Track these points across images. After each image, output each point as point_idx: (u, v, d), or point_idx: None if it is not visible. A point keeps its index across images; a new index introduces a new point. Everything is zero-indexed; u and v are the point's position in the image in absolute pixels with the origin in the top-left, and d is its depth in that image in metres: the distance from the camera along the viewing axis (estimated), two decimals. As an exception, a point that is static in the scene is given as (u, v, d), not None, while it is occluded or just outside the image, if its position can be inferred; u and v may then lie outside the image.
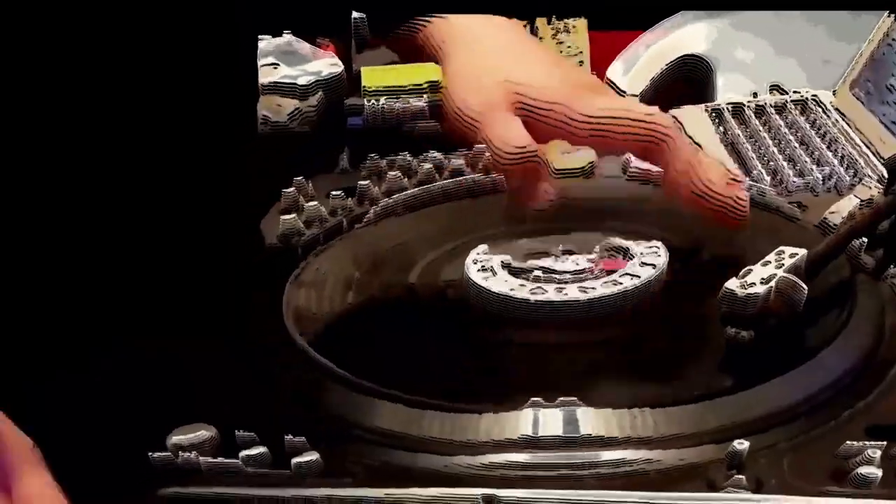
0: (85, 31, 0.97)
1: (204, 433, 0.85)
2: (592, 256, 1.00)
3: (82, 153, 0.99)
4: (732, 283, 0.93)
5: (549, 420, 0.85)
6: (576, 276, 0.98)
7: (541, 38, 1.27)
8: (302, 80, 1.24)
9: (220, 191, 1.05)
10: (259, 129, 1.22)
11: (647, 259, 0.99)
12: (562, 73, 1.11)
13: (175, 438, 0.85)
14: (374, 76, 1.25)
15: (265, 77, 1.25)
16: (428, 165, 1.13)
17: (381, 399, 0.89)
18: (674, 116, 1.14)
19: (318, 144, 1.20)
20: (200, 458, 0.84)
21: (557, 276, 0.97)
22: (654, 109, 1.05)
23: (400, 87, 1.24)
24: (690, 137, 1.12)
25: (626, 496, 0.80)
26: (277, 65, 1.27)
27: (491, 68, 1.12)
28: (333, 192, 1.11)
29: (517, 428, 0.85)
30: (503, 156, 1.06)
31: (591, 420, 0.85)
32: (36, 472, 0.78)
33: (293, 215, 1.08)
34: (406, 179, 1.12)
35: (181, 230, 1.01)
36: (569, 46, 1.36)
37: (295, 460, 0.83)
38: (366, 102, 1.23)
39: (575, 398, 0.86)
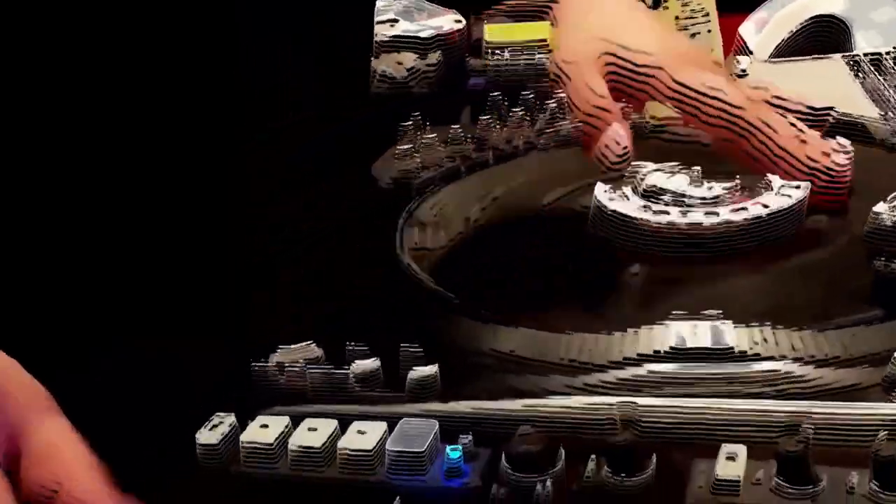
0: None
1: (314, 349, 0.81)
2: (729, 185, 0.94)
3: (83, 152, 0.97)
4: (880, 207, 0.87)
5: (693, 333, 0.79)
6: (709, 202, 0.92)
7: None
8: (424, 34, 1.21)
9: (220, 189, 1.02)
10: (375, 87, 1.19)
11: (788, 189, 0.93)
12: (665, 40, 1.06)
13: (280, 354, 0.80)
14: (497, 32, 1.22)
15: (385, 33, 1.22)
16: (553, 104, 1.07)
17: (507, 324, 0.84)
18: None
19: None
20: (308, 371, 0.79)
21: (691, 201, 0.92)
22: (744, 99, 0.99)
23: (523, 41, 1.20)
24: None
25: (773, 407, 0.74)
26: (396, 20, 1.23)
27: (590, 25, 1.08)
28: (452, 127, 1.06)
29: (658, 342, 0.79)
30: (579, 114, 1.01)
31: (735, 334, 0.79)
32: (53, 419, 0.71)
33: (409, 145, 1.04)
34: (529, 121, 1.07)
35: (181, 229, 0.98)
36: (693, 10, 1.31)
37: (412, 375, 0.78)
38: (489, 57, 1.19)
39: (719, 311, 0.80)
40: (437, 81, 1.20)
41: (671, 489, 0.72)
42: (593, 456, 0.73)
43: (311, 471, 0.74)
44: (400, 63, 1.20)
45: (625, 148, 0.98)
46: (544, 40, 1.16)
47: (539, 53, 1.15)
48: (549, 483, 0.71)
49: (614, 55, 1.03)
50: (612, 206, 0.92)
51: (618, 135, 0.98)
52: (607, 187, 0.94)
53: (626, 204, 0.92)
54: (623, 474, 0.72)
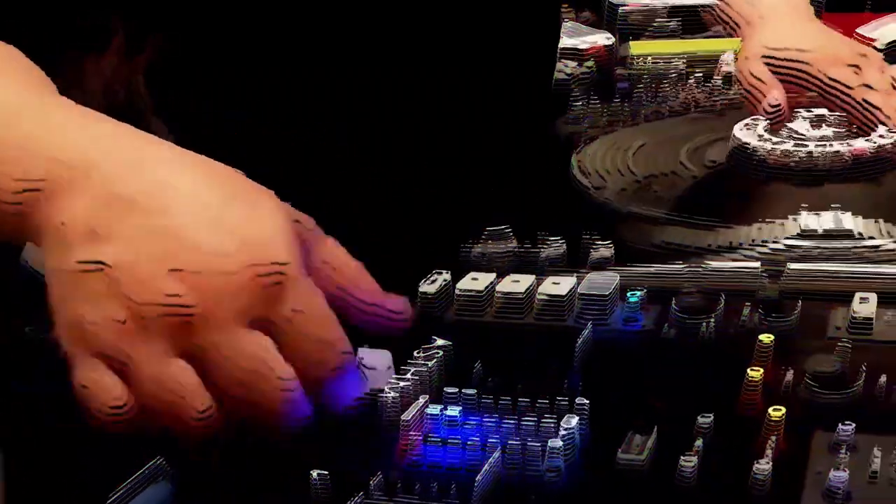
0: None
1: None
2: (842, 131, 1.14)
3: None
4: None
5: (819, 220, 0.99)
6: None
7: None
8: (581, 46, 1.41)
9: None
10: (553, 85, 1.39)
11: None
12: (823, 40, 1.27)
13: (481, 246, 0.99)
14: (641, 46, 1.41)
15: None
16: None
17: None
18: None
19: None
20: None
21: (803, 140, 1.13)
22: None
23: (663, 53, 1.40)
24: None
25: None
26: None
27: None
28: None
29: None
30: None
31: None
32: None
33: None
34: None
35: None
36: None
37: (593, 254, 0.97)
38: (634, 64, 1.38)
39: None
40: (590, 84, 1.40)
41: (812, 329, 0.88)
42: (747, 303, 0.88)
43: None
44: (560, 70, 1.40)
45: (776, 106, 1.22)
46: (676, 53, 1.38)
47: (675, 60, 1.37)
48: (712, 323, 0.87)
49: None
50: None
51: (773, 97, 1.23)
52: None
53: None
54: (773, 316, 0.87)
